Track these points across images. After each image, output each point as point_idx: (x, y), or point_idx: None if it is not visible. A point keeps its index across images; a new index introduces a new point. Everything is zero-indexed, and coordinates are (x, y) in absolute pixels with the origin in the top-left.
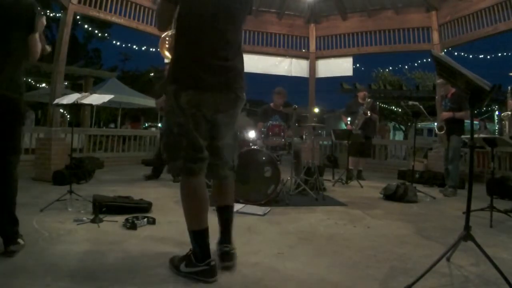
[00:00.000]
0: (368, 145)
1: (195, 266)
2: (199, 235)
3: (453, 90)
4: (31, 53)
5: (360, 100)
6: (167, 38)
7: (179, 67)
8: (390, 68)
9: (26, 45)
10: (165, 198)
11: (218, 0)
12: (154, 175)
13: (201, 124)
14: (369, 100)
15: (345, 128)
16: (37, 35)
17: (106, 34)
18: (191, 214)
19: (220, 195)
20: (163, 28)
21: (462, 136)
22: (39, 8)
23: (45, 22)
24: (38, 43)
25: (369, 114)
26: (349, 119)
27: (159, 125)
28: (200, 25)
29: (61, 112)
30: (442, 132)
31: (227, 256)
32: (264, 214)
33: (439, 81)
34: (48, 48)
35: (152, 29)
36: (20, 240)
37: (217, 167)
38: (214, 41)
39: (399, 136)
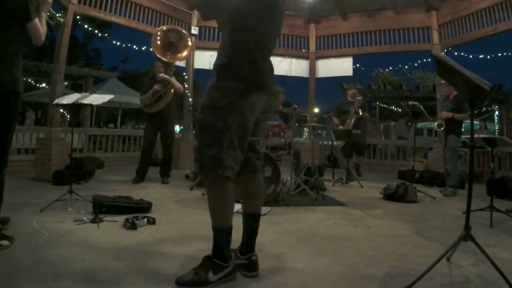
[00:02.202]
0: (361, 145)
1: (224, 268)
2: (229, 231)
3: (455, 92)
4: (33, 39)
5: (349, 99)
6: (158, 34)
7: (249, 67)
8: (390, 68)
9: (24, 35)
10: (165, 198)
11: (282, 4)
12: (141, 177)
13: (252, 127)
14: (360, 98)
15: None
16: (36, 21)
17: (106, 34)
18: (227, 211)
19: (251, 199)
20: (213, 15)
21: (462, 136)
22: None
23: (51, 0)
24: (39, 28)
25: (360, 113)
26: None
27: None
28: (268, 28)
29: (61, 112)
30: (441, 129)
31: (255, 266)
32: (264, 214)
33: (443, 81)
34: (61, 20)
35: (151, 29)
36: (3, 242)
37: (255, 160)
38: (273, 46)
39: None
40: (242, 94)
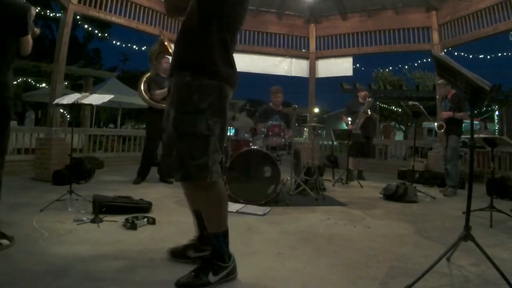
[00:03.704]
0: (368, 145)
1: (224, 269)
2: (226, 234)
3: (453, 91)
4: (22, 50)
5: (360, 100)
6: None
7: (223, 63)
8: (390, 68)
9: (17, 45)
10: (165, 198)
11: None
12: (142, 178)
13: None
14: (369, 99)
15: (346, 128)
16: (29, 35)
17: (106, 34)
18: (223, 214)
19: None
20: (176, 12)
21: (463, 136)
22: (29, 6)
23: (34, 13)
24: (29, 42)
25: (369, 113)
26: (349, 119)
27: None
28: (241, 20)
29: (61, 112)
30: (441, 131)
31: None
32: (264, 214)
33: (440, 81)
34: (37, 31)
35: (152, 29)
36: (3, 241)
37: None
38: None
39: (399, 136)
40: (221, 93)
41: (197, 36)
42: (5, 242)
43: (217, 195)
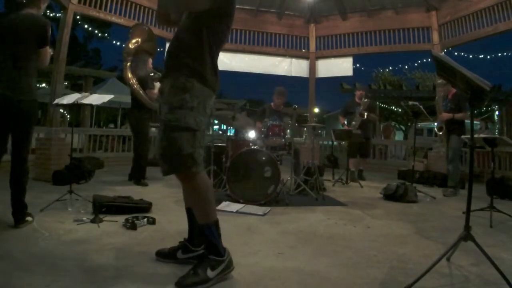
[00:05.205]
0: (367, 146)
1: (221, 263)
2: (217, 224)
3: (453, 90)
4: (41, 61)
5: (357, 100)
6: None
7: (212, 72)
8: (390, 68)
9: (38, 54)
10: (165, 198)
11: None
12: (138, 180)
13: None
14: (365, 100)
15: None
16: (48, 47)
17: (106, 34)
18: (211, 204)
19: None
20: (167, 23)
21: (463, 136)
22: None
23: (50, 29)
24: (48, 53)
25: (365, 116)
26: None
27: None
28: (225, 37)
29: (61, 112)
30: (441, 133)
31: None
32: (264, 214)
33: (439, 81)
34: (51, 51)
35: (151, 29)
36: (28, 218)
37: None
38: None
39: (399, 136)
40: (208, 96)
41: (193, 43)
42: (29, 218)
43: (202, 184)
